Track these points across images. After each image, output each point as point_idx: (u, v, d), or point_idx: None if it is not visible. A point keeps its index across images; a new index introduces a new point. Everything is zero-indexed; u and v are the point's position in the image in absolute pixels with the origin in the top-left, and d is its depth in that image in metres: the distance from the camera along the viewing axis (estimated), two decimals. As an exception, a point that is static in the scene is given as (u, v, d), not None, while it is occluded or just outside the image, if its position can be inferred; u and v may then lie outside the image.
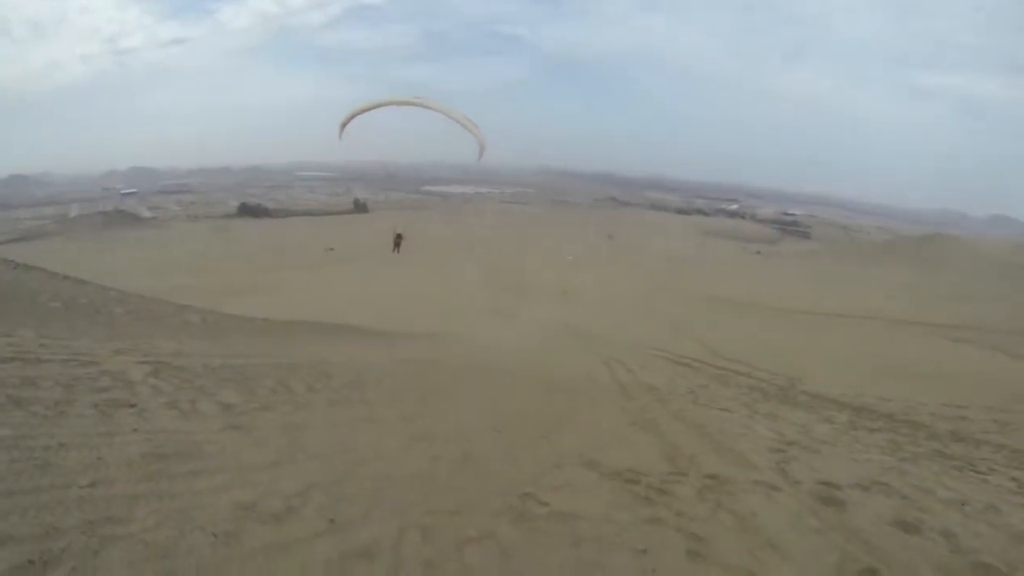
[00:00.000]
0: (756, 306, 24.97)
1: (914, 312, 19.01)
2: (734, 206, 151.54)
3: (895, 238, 68.85)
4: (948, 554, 3.42)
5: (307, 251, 50.41)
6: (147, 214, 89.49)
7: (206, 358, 6.59)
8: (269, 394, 5.79)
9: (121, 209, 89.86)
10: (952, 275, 29.56)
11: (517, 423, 6.61)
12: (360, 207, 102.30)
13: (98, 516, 2.85)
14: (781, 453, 5.44)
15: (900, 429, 6.66)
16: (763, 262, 57.08)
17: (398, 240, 21.42)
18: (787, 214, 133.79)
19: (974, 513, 4.00)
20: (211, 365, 6.27)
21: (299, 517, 3.38)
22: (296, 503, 3.53)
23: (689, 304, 26.91)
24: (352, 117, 12.02)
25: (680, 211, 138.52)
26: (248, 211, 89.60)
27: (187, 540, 2.88)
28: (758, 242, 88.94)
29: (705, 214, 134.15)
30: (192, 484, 3.45)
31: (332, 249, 51.71)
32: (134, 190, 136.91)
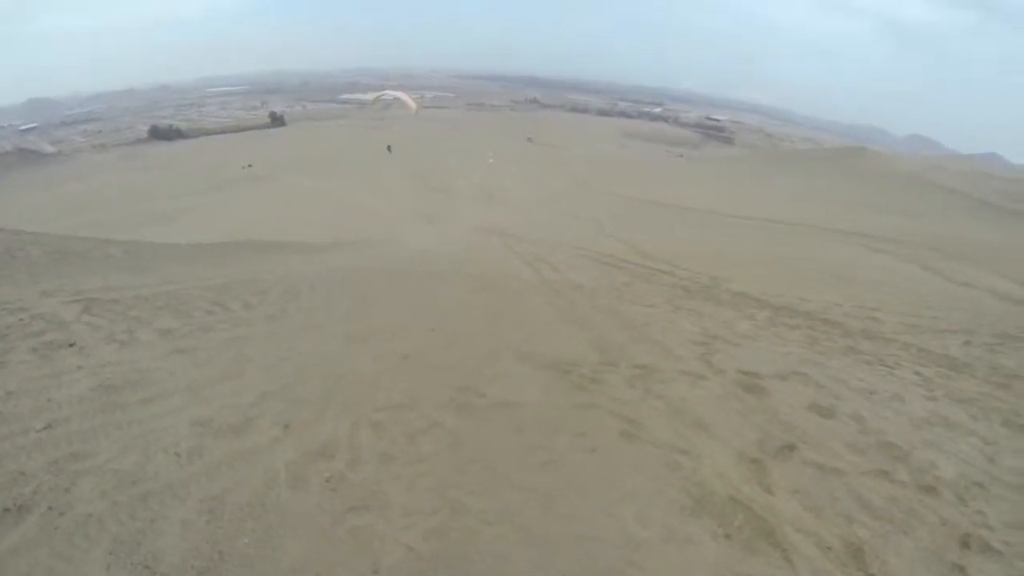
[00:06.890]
0: (679, 208, 24.83)
1: (834, 221, 19.47)
2: (657, 109, 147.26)
3: (817, 149, 69.04)
4: (857, 434, 3.91)
5: (225, 171, 47.50)
6: (50, 149, 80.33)
7: (136, 289, 6.45)
8: (206, 315, 5.80)
9: (21, 147, 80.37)
10: (871, 188, 29.73)
11: (449, 321, 6.70)
12: (277, 120, 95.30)
13: (61, 454, 2.96)
14: (705, 346, 5.73)
15: (817, 327, 6.92)
16: (686, 165, 56.86)
17: (389, 148, 46.85)
18: (711, 119, 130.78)
19: (881, 401, 4.50)
20: (142, 295, 6.17)
21: (256, 426, 3.53)
22: (252, 413, 3.68)
23: (611, 205, 26.50)
24: (376, 99, 37.75)
25: (602, 113, 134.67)
26: (159, 134, 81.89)
27: (153, 463, 3.02)
28: (681, 145, 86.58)
29: (628, 116, 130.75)
30: (147, 410, 3.57)
31: (250, 166, 49.12)
32: (34, 124, 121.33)
